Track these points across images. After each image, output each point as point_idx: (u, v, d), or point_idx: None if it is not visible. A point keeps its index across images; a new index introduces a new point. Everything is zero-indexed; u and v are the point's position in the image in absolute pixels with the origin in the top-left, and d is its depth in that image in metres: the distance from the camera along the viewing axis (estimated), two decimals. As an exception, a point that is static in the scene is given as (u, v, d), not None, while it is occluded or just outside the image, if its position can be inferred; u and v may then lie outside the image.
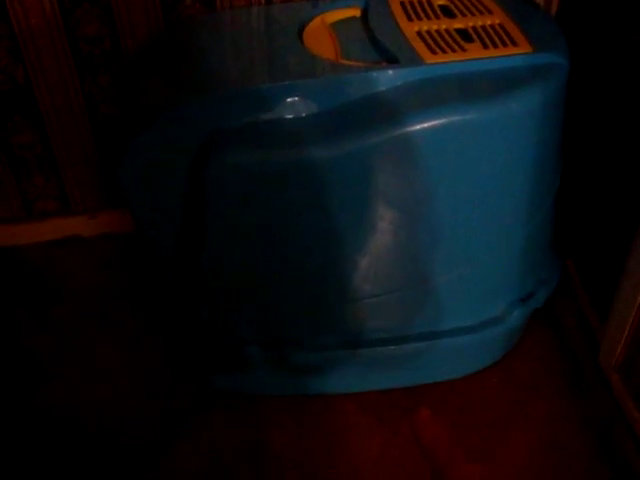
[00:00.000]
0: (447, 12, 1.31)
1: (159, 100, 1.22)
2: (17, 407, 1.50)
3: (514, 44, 1.21)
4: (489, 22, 1.27)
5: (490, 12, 1.30)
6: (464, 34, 1.25)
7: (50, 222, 1.85)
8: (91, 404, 1.50)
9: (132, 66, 1.44)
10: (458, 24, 1.27)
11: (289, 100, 1.14)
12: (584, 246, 1.51)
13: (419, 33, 1.25)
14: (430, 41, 1.22)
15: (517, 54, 1.19)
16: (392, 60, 1.20)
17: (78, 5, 1.53)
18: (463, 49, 1.20)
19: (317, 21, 1.34)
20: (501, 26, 1.26)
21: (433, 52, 1.19)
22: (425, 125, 1.12)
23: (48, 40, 1.57)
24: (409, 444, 1.39)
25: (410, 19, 1.29)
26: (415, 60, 1.18)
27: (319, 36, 1.30)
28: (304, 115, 1.15)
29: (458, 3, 1.33)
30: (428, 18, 1.29)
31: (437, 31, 1.26)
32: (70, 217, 1.85)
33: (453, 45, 1.21)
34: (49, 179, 1.78)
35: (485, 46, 1.20)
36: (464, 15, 1.30)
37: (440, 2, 1.34)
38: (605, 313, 1.36)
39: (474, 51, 1.19)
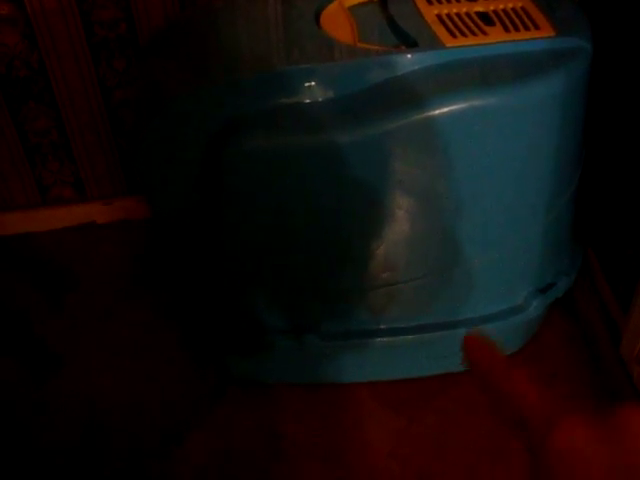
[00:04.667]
0: (468, -5, 1.29)
1: (175, 84, 1.20)
2: (31, 393, 1.50)
3: (536, 28, 1.18)
4: (511, 5, 1.24)
5: (512, -5, 1.27)
6: (485, 17, 1.22)
7: (65, 208, 1.85)
8: (105, 390, 1.50)
9: (148, 50, 1.42)
10: (479, 7, 1.25)
11: (306, 85, 1.13)
12: (605, 235, 1.48)
13: (439, 16, 1.22)
14: (450, 24, 1.20)
15: (539, 38, 1.17)
16: (411, 44, 1.18)
17: (93, -11, 1.52)
18: (484, 33, 1.17)
19: (335, 5, 1.32)
20: (523, 9, 1.23)
21: (453, 36, 1.17)
22: (445, 110, 1.10)
23: (63, 25, 1.55)
24: (424, 434, 1.39)
25: (430, 2, 1.26)
26: (435, 44, 1.16)
27: (337, 20, 1.28)
28: (321, 100, 1.14)
29: (479, -14, 1.31)
30: (448, 1, 1.27)
31: (457, 14, 1.23)
32: (85, 203, 1.85)
33: (474, 29, 1.18)
34: (64, 165, 1.78)
35: (507, 29, 1.18)
36: (485, -2, 1.27)
37: (461, -15, 1.32)
38: (627, 303, 1.34)
39: (495, 35, 1.17)
